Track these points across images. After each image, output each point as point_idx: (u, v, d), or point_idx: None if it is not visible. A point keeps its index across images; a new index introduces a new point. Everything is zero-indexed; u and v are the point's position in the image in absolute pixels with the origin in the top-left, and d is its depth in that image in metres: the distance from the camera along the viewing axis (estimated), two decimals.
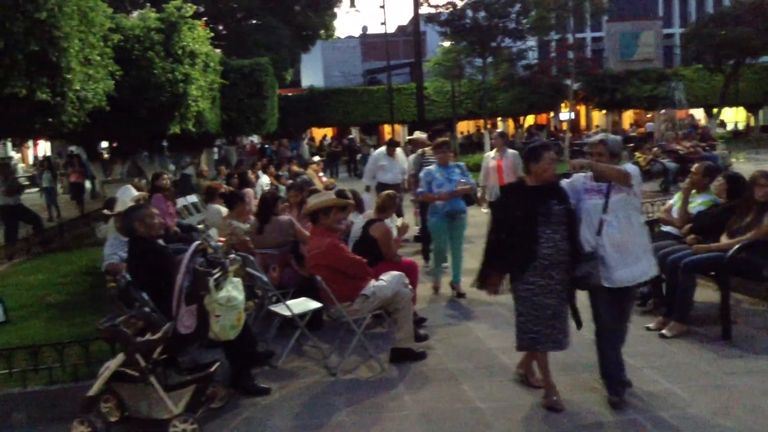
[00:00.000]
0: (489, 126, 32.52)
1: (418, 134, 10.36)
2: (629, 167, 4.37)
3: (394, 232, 6.53)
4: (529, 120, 39.95)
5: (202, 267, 4.49)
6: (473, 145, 34.56)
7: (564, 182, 4.49)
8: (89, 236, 12.24)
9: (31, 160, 31.57)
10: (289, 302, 5.76)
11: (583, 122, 42.45)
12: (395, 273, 5.57)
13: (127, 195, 6.56)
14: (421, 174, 7.48)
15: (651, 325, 5.78)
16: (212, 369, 4.55)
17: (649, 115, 37.50)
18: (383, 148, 10.69)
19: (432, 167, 7.40)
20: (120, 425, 4.43)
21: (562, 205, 4.34)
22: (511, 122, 39.85)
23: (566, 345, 4.46)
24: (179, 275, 4.34)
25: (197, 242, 4.76)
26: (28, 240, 11.72)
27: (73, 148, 29.39)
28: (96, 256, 9.75)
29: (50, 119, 7.98)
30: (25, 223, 12.41)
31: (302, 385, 5.13)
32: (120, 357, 4.29)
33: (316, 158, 17.45)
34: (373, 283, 5.43)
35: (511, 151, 9.37)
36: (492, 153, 9.54)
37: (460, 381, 5.00)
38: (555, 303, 4.34)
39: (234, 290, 4.48)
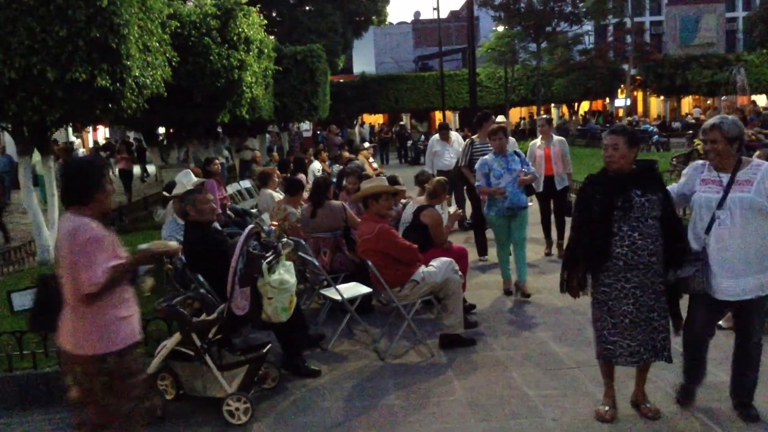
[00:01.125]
0: (543, 112, 32.05)
1: (502, 119, 10.00)
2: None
3: (445, 219, 6.53)
4: (584, 106, 39.22)
5: (255, 250, 4.57)
6: (523, 132, 34.10)
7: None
8: (147, 220, 12.59)
9: (91, 145, 32.54)
10: (340, 287, 5.82)
11: (640, 108, 41.41)
12: (445, 259, 5.57)
13: (187, 179, 6.71)
14: (477, 165, 6.84)
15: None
16: (265, 350, 4.64)
17: (709, 101, 36.37)
18: (437, 134, 10.68)
19: (488, 156, 6.74)
20: (176, 403, 4.57)
21: (647, 196, 3.83)
22: (565, 108, 39.17)
23: (649, 359, 3.95)
24: (234, 258, 4.43)
25: (251, 226, 4.85)
26: None
27: (130, 134, 30.27)
28: (154, 239, 10.03)
29: (110, 105, 8.23)
30: None
31: (352, 369, 5.19)
32: (176, 336, 4.42)
33: (367, 144, 17.47)
34: (423, 268, 5.44)
35: (557, 138, 8.61)
36: (537, 141, 8.65)
37: (509, 368, 4.98)
38: (633, 310, 3.85)
39: (286, 273, 4.55)
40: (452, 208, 7.14)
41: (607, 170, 3.96)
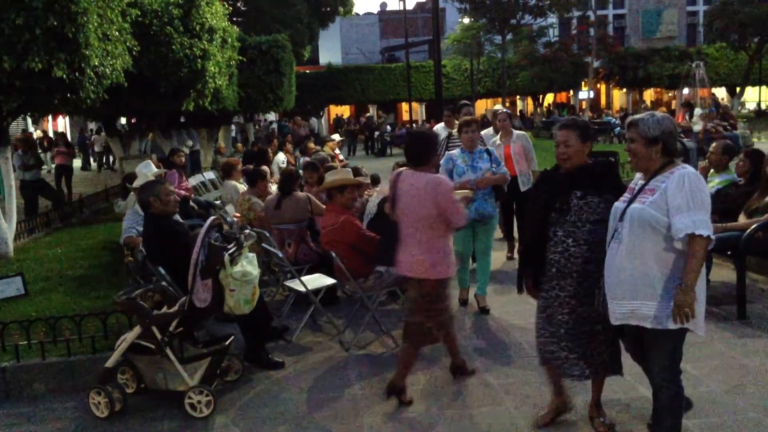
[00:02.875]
0: (507, 104, 32.27)
1: (500, 107, 8.81)
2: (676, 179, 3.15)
3: None
4: (549, 98, 39.61)
5: (217, 242, 4.53)
6: (486, 125, 34.36)
7: None
8: (108, 212, 12.38)
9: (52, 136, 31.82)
10: (304, 278, 5.80)
11: (603, 101, 41.99)
12: None
13: (148, 170, 6.61)
14: (442, 160, 5.94)
15: None
16: (227, 342, 4.60)
17: (670, 94, 37.04)
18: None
19: (455, 151, 5.99)
20: (137, 396, 4.51)
21: (586, 199, 3.53)
22: (530, 101, 39.53)
23: (592, 375, 3.68)
24: (195, 250, 4.37)
25: (212, 217, 4.80)
26: (47, 215, 11.87)
27: (91, 125, 29.70)
28: (114, 231, 9.88)
29: (68, 95, 8.04)
30: (44, 198, 12.55)
31: (316, 360, 5.19)
32: (137, 329, 4.35)
33: (335, 136, 17.41)
34: None
35: (518, 133, 7.74)
36: (497, 138, 7.66)
37: (473, 358, 5.02)
38: (569, 320, 3.60)
39: (249, 265, 4.51)
40: None
41: (558, 168, 3.72)
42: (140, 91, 10.79)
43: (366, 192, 7.31)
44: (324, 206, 6.31)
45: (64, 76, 7.51)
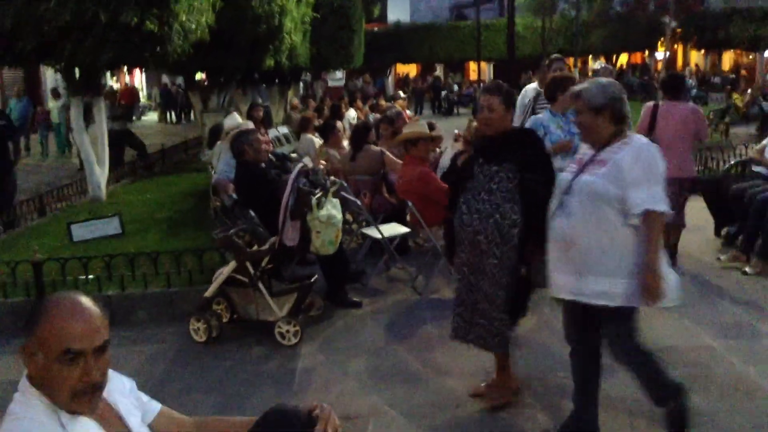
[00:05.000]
0: (579, 65, 31.57)
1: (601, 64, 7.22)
2: (628, 153, 2.98)
3: None
4: (623, 59, 38.50)
5: (305, 187, 4.89)
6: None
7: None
8: (188, 162, 13.01)
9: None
10: (380, 226, 6.13)
11: (680, 62, 40.51)
12: None
13: (234, 122, 7.01)
14: (528, 124, 5.36)
15: (722, 257, 5.90)
16: (311, 280, 5.00)
17: (750, 57, 35.45)
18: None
19: (543, 115, 5.29)
20: (231, 325, 4.98)
21: (485, 167, 3.47)
22: (603, 60, 38.47)
23: (478, 343, 3.69)
24: (285, 194, 4.75)
25: (301, 164, 5.16)
26: (133, 164, 12.57)
27: (166, 80, 30.61)
28: (196, 180, 10.47)
29: (158, 49, 8.50)
30: (130, 147, 13.25)
31: (390, 302, 5.55)
32: (232, 264, 4.79)
33: (402, 94, 17.58)
34: None
35: None
36: None
37: (541, 305, 5.26)
38: (461, 287, 3.66)
39: (333, 209, 4.87)
40: None
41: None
42: (220, 46, 11.22)
43: (439, 146, 7.54)
44: (397, 161, 6.60)
45: (155, 29, 7.95)
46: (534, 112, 6.08)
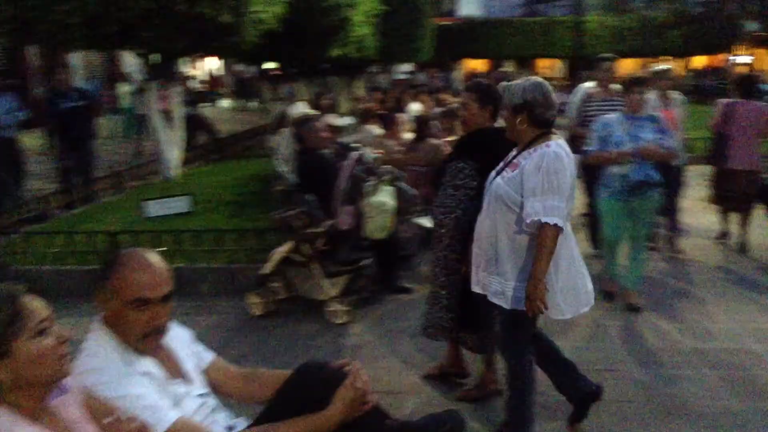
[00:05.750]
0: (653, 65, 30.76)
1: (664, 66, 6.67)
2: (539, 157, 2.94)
3: None
4: (699, 61, 37.30)
5: (360, 174, 5.12)
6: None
7: None
8: (257, 148, 13.46)
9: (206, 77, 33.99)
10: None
11: (761, 66, 38.96)
12: None
13: (299, 110, 7.31)
14: (596, 125, 5.07)
15: None
16: (364, 263, 5.24)
17: None
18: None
19: (613, 116, 5.02)
20: (286, 302, 5.27)
21: (452, 163, 3.59)
22: (679, 63, 37.39)
23: (433, 335, 3.90)
24: (341, 179, 4.99)
25: (358, 152, 5.39)
26: (204, 147, 13.12)
27: (239, 68, 31.45)
28: (262, 165, 10.85)
29: (231, 38, 8.90)
30: (202, 132, 13.80)
31: None
32: (289, 244, 5.07)
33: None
34: None
35: (677, 96, 6.39)
36: (651, 97, 6.19)
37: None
38: (431, 277, 3.89)
39: (386, 197, 5.09)
40: None
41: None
42: (290, 37, 11.59)
43: None
44: None
45: (231, 20, 8.34)
46: (582, 115, 6.11)
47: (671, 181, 6.03)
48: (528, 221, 2.90)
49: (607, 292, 5.27)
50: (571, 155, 3.08)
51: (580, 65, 12.55)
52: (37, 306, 1.60)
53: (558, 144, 2.99)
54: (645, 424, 3.53)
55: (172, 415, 1.87)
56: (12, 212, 7.05)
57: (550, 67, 34.34)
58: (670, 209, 6.32)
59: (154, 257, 1.99)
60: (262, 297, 5.11)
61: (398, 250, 5.88)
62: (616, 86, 6.12)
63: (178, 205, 7.50)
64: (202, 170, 11.27)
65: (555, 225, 2.86)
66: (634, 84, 4.93)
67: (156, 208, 7.37)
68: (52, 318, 1.63)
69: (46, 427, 1.53)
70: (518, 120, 3.02)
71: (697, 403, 3.72)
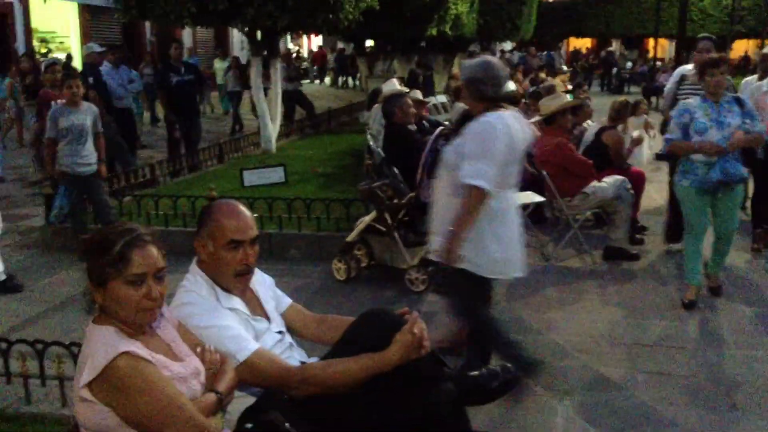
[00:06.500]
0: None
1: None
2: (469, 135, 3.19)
3: (627, 142, 6.78)
4: None
5: (441, 149, 5.28)
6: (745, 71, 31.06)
7: None
8: (351, 124, 13.83)
9: (306, 54, 34.88)
10: (517, 194, 6.39)
11: None
12: (618, 177, 5.92)
13: (392, 87, 7.53)
14: (674, 111, 4.83)
15: None
16: None
17: None
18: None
19: (693, 101, 4.72)
20: (368, 269, 5.54)
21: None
22: None
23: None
24: (424, 153, 5.17)
25: (441, 127, 5.55)
26: (301, 122, 13.61)
27: (341, 45, 32.03)
28: (355, 140, 11.19)
29: (331, 15, 9.21)
30: (300, 107, 14.30)
31: None
32: (373, 214, 5.33)
33: (565, 68, 17.30)
34: (595, 183, 5.86)
35: None
36: (764, 83, 5.97)
37: (667, 283, 5.33)
38: None
39: None
40: (636, 133, 7.22)
41: None
42: (388, 14, 11.81)
43: (586, 122, 7.60)
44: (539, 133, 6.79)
45: None
46: (675, 98, 5.78)
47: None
48: (460, 182, 3.12)
49: (688, 301, 4.81)
50: (518, 127, 3.28)
51: (683, 46, 12.06)
52: (147, 257, 1.82)
53: (499, 115, 3.20)
54: (706, 399, 3.56)
55: (253, 346, 2.15)
56: (125, 177, 7.68)
57: (659, 46, 32.87)
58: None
59: (241, 206, 2.29)
60: (346, 263, 5.40)
61: None
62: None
63: (274, 175, 7.93)
64: (298, 144, 11.75)
65: (479, 187, 3.07)
66: (709, 66, 4.58)
67: (252, 177, 7.82)
68: (159, 273, 1.85)
69: (147, 344, 1.83)
70: (466, 92, 3.33)
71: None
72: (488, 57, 3.37)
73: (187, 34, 20.41)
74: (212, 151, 9.89)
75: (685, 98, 5.29)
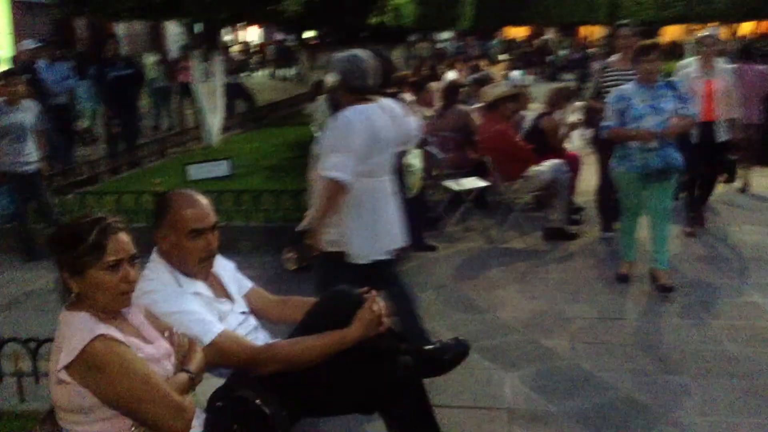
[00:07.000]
0: (698, 31, 30.04)
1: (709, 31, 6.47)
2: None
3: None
4: (746, 27, 36.23)
5: None
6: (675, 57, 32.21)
7: None
8: (294, 116, 13.84)
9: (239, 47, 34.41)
10: (460, 180, 6.61)
11: None
12: (556, 161, 6.19)
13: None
14: (611, 98, 4.85)
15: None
16: None
17: None
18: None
19: (628, 86, 4.78)
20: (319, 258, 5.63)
21: None
22: (726, 29, 36.37)
23: None
24: None
25: None
26: (243, 115, 13.54)
27: (280, 37, 31.79)
28: (299, 132, 11.23)
29: (273, 7, 9.22)
30: (241, 100, 14.21)
31: (463, 248, 6.05)
32: None
33: (504, 56, 17.67)
34: (534, 167, 6.11)
35: (724, 66, 5.99)
36: (693, 68, 5.90)
37: (604, 261, 5.62)
38: None
39: (413, 158, 5.39)
40: (572, 117, 7.51)
41: None
42: (329, 5, 11.84)
43: (524, 108, 7.85)
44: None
45: None
46: (599, 87, 5.86)
47: (714, 163, 6.03)
48: (320, 175, 3.33)
49: (621, 274, 5.04)
50: (385, 118, 3.41)
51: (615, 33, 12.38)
52: (120, 243, 1.90)
53: (359, 109, 3.35)
54: (641, 365, 3.82)
55: (218, 327, 2.25)
56: (64, 175, 7.56)
57: (592, 34, 33.78)
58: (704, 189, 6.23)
59: (198, 195, 2.37)
60: (297, 253, 5.49)
61: (426, 210, 6.20)
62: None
63: (219, 168, 7.94)
64: (241, 137, 11.72)
65: (336, 179, 3.25)
66: (643, 52, 4.67)
67: (198, 171, 7.81)
68: (131, 257, 1.93)
69: (119, 328, 1.91)
70: (339, 87, 3.48)
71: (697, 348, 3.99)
72: (356, 50, 3.49)
73: (120, 29, 19.94)
74: (153, 147, 9.79)
75: (610, 86, 5.42)
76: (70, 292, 1.89)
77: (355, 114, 3.33)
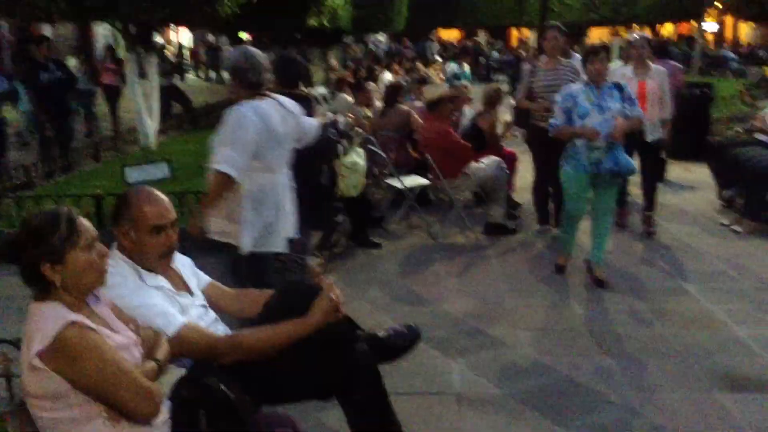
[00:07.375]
0: (623, 33, 31.23)
1: (638, 34, 6.56)
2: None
3: (500, 127, 7.30)
4: (667, 29, 37.84)
5: (333, 137, 5.52)
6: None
7: None
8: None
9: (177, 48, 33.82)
10: (402, 178, 6.74)
11: (729, 34, 39.64)
12: (494, 158, 6.41)
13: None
14: (558, 97, 4.95)
15: (725, 220, 6.45)
16: (337, 219, 5.67)
17: None
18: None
19: (576, 86, 4.92)
20: None
21: None
22: (648, 30, 37.89)
23: None
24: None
25: (331, 116, 5.79)
26: (179, 117, 13.36)
27: (210, 38, 31.36)
28: None
29: (209, 9, 9.17)
30: (176, 103, 14.00)
31: (407, 245, 6.20)
32: None
33: (439, 58, 18.00)
34: (473, 164, 6.30)
35: (657, 67, 6.06)
36: (627, 69, 6.03)
37: (543, 254, 5.86)
38: None
39: (357, 157, 5.51)
40: (507, 116, 7.77)
41: None
42: (264, 6, 11.83)
43: (463, 107, 8.07)
44: (421, 120, 7.18)
45: None
46: (528, 86, 5.99)
47: (651, 163, 6.19)
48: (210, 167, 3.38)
49: (559, 265, 5.30)
50: (280, 113, 3.50)
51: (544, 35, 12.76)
52: (88, 225, 1.99)
53: (253, 105, 3.40)
54: (580, 348, 4.04)
55: (180, 320, 2.29)
56: None
57: (523, 36, 34.63)
58: (648, 189, 6.32)
59: (156, 191, 2.41)
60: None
61: (370, 209, 6.32)
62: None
63: (158, 171, 7.82)
64: (179, 139, 11.57)
65: (224, 173, 3.30)
66: (591, 53, 4.82)
67: (137, 174, 7.69)
68: (97, 237, 2.02)
69: (89, 317, 1.94)
70: (233, 83, 3.52)
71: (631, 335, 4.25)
72: (248, 47, 3.56)
73: (47, 31, 19.33)
74: (87, 150, 9.58)
75: (538, 86, 5.82)
76: (50, 285, 1.92)
77: (249, 109, 3.37)
